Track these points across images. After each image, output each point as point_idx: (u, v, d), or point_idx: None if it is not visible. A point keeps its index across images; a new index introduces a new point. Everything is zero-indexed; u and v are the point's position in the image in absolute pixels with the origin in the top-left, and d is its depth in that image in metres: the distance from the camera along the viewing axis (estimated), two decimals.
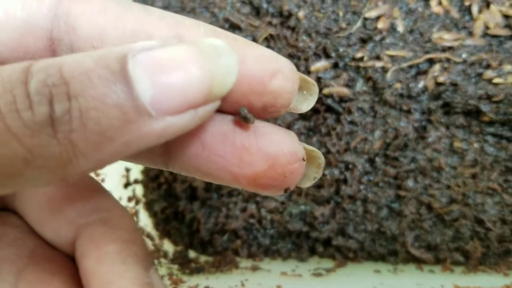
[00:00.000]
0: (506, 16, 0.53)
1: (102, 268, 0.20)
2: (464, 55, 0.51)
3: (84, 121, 0.15)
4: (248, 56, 0.20)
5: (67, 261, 0.23)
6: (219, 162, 0.20)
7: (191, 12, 0.53)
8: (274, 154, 0.20)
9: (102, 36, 0.20)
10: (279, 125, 0.53)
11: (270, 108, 0.21)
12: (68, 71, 0.15)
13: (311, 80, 0.22)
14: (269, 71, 0.20)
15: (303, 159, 0.21)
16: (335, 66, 0.53)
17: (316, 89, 0.22)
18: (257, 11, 0.54)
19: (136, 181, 0.54)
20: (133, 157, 0.22)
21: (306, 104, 0.22)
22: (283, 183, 0.20)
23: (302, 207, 0.53)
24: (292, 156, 0.20)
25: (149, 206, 0.55)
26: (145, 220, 0.53)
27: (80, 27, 0.20)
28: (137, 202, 0.53)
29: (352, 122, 0.53)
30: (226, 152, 0.20)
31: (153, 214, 0.55)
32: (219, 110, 0.21)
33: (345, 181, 0.52)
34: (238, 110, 0.20)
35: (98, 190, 0.23)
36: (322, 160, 0.22)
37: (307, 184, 0.22)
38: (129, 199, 0.52)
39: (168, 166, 0.22)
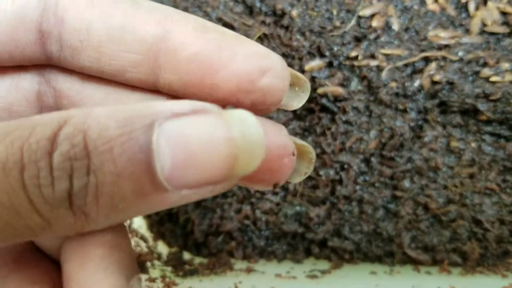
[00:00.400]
0: (503, 13, 0.52)
1: (83, 273, 0.19)
2: (460, 53, 0.50)
3: (98, 196, 0.15)
4: (237, 53, 0.19)
5: (52, 267, 0.22)
6: None
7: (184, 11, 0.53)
8: None
9: (89, 29, 0.20)
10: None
11: (259, 105, 0.20)
12: (91, 140, 0.15)
13: (302, 76, 0.21)
14: (259, 68, 0.19)
15: (293, 154, 0.20)
16: (330, 65, 0.52)
17: (308, 85, 0.22)
18: (250, 10, 0.54)
19: None
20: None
21: (298, 101, 0.21)
22: (272, 178, 0.20)
23: (297, 208, 0.52)
24: (281, 151, 0.20)
25: None
26: (139, 222, 0.53)
27: (68, 19, 0.20)
28: None
29: (347, 122, 0.52)
30: None
31: (147, 215, 0.54)
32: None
33: (340, 181, 0.52)
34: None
35: None
36: (313, 155, 0.21)
37: (297, 179, 0.21)
38: None
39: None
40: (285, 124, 0.53)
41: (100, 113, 0.16)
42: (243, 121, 0.16)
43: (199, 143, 0.15)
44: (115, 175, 0.15)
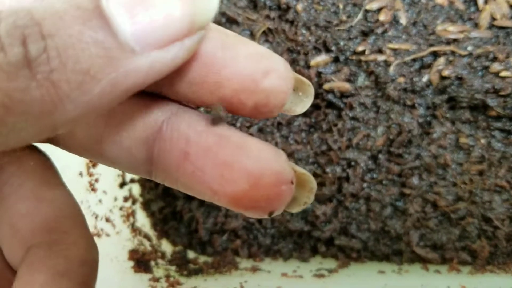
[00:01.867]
0: None
1: None
2: (469, 48, 0.49)
3: (64, 60, 0.14)
4: (239, 53, 0.19)
5: None
6: (200, 176, 0.18)
7: None
8: (257, 173, 0.18)
9: None
10: (279, 122, 0.52)
11: (262, 108, 0.19)
12: (38, 13, 0.14)
13: (306, 80, 0.21)
14: (262, 69, 0.19)
15: (291, 182, 0.19)
16: (336, 60, 0.51)
17: (312, 90, 0.21)
18: (254, 4, 0.53)
19: (132, 181, 0.52)
20: (117, 163, 0.21)
21: (301, 106, 0.21)
22: (267, 206, 0.19)
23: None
24: (278, 177, 0.18)
25: (146, 206, 0.53)
26: (142, 220, 0.52)
27: None
28: (133, 202, 0.52)
29: (354, 118, 0.51)
30: (207, 166, 0.18)
31: (150, 214, 0.53)
32: (207, 109, 0.20)
33: (347, 179, 0.51)
34: (212, 106, 0.19)
35: (65, 205, 0.22)
36: (314, 184, 0.20)
37: (295, 209, 0.20)
38: (125, 199, 0.51)
39: (151, 175, 0.20)
40: (291, 120, 0.52)
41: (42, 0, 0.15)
42: None
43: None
44: (74, 38, 0.14)
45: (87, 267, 0.20)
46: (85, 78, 0.15)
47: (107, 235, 0.45)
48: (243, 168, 0.18)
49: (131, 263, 0.44)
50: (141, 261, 0.45)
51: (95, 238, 0.43)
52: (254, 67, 0.19)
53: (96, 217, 0.45)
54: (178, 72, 0.19)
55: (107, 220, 0.46)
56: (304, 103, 0.21)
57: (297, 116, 0.53)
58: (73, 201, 0.23)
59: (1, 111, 0.14)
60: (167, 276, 0.44)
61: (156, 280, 0.43)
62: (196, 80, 0.19)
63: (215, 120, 0.19)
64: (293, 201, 0.19)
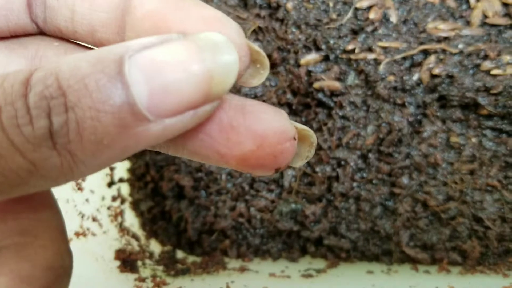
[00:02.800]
0: (505, 4, 0.50)
1: None
2: (460, 46, 0.49)
3: (81, 132, 0.15)
4: (191, 15, 0.18)
5: None
6: (207, 141, 0.19)
7: None
8: (262, 133, 0.19)
9: None
10: None
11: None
12: (65, 79, 0.15)
13: (262, 52, 0.20)
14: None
15: (294, 138, 0.19)
16: (326, 58, 0.51)
17: (268, 62, 0.21)
18: (244, 3, 0.52)
19: (121, 180, 0.52)
20: None
21: (258, 79, 0.21)
22: (273, 163, 0.19)
23: (293, 206, 0.51)
24: (282, 135, 0.19)
25: (135, 206, 0.53)
26: (131, 220, 0.52)
27: None
28: (122, 202, 0.52)
29: (344, 117, 0.51)
30: (213, 130, 0.19)
31: (139, 213, 0.53)
32: None
33: (337, 178, 0.51)
34: None
35: (42, 206, 0.21)
36: (314, 138, 0.21)
37: (298, 163, 0.21)
38: (114, 199, 0.50)
39: (155, 145, 0.21)
40: None
41: (70, 57, 0.16)
42: (213, 40, 0.16)
43: (172, 68, 0.16)
44: (93, 109, 0.15)
45: (52, 273, 0.19)
46: (98, 147, 0.16)
47: (93, 234, 0.45)
48: (249, 129, 0.19)
49: (117, 263, 0.44)
50: (127, 261, 0.44)
51: (81, 238, 0.42)
52: (205, 28, 0.18)
53: (83, 217, 0.44)
54: (134, 31, 0.20)
55: (94, 219, 0.46)
56: (260, 76, 0.21)
57: (287, 114, 0.52)
58: (51, 202, 0.22)
59: (26, 175, 0.16)
60: (154, 276, 0.44)
61: (142, 280, 0.43)
62: None
63: None
64: (296, 156, 0.21)
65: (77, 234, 0.43)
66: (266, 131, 0.19)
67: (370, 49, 0.50)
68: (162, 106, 0.16)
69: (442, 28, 0.50)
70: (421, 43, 0.49)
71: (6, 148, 0.15)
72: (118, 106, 0.15)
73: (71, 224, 0.43)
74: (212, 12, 0.19)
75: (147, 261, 0.47)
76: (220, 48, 0.16)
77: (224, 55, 0.16)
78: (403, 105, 0.50)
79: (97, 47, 0.21)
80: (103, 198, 0.48)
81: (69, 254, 0.21)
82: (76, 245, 0.42)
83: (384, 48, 0.49)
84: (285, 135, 0.19)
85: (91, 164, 0.16)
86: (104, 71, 0.15)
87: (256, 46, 0.20)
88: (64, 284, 0.20)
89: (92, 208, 0.46)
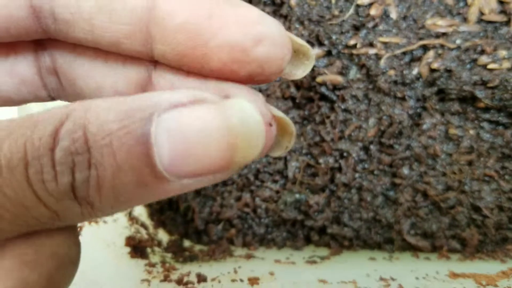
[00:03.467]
0: (501, 2, 0.52)
1: None
2: (458, 41, 0.51)
3: (100, 187, 0.16)
4: (228, 20, 0.18)
5: None
6: None
7: None
8: None
9: (78, 2, 0.20)
10: None
11: (257, 76, 0.19)
12: (91, 134, 0.15)
13: (305, 43, 0.20)
14: (253, 36, 0.18)
15: (270, 124, 0.19)
16: (328, 54, 0.53)
17: (312, 53, 0.20)
18: (249, 0, 0.54)
19: None
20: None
21: (302, 69, 0.20)
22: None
23: (297, 196, 0.52)
24: None
25: None
26: (139, 210, 0.53)
27: None
28: None
29: (346, 110, 0.52)
30: None
31: (147, 204, 0.55)
32: (201, 76, 0.20)
33: (339, 169, 0.52)
34: None
35: None
36: (293, 128, 0.21)
37: (278, 153, 0.21)
38: None
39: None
40: (285, 113, 0.54)
41: (99, 106, 0.16)
42: (242, 110, 0.16)
43: (197, 133, 0.15)
44: (115, 168, 0.15)
45: (56, 260, 0.19)
46: (116, 201, 0.16)
47: (105, 222, 0.46)
48: None
49: (128, 249, 0.45)
50: (137, 248, 0.46)
51: (93, 225, 0.44)
52: (242, 35, 0.18)
53: None
54: (167, 44, 0.19)
55: None
56: (305, 66, 0.20)
57: (291, 108, 0.54)
58: None
59: (49, 222, 0.17)
60: (163, 262, 0.46)
61: (152, 265, 0.44)
62: (185, 52, 0.19)
63: None
64: (276, 145, 0.20)
65: (89, 221, 0.44)
66: None
67: (371, 44, 0.51)
68: (183, 169, 0.16)
69: (440, 24, 0.52)
70: (420, 39, 0.51)
71: (30, 200, 0.16)
72: (139, 166, 0.15)
73: None
74: (249, 12, 0.18)
75: (156, 249, 0.49)
76: (248, 121, 0.16)
77: (250, 130, 0.16)
78: (403, 99, 0.51)
79: (122, 55, 0.21)
80: None
81: (76, 244, 0.21)
82: (88, 232, 0.43)
83: (385, 43, 0.51)
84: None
85: (109, 212, 0.17)
86: (130, 128, 0.15)
87: (298, 39, 0.20)
88: (69, 273, 0.20)
89: None
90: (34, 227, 0.17)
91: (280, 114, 0.20)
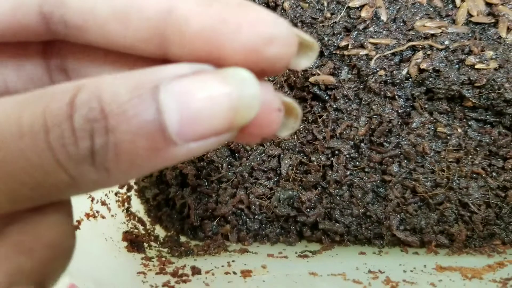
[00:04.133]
0: (489, 4, 0.54)
1: None
2: (446, 42, 0.52)
3: (118, 153, 0.17)
4: (242, 24, 0.19)
5: None
6: None
7: None
8: None
9: (93, 9, 0.20)
10: None
11: (266, 72, 0.21)
12: (107, 104, 0.17)
13: (310, 38, 0.22)
14: (265, 38, 0.19)
15: (279, 110, 0.21)
16: (321, 54, 0.54)
17: (317, 46, 0.22)
18: None
19: None
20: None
21: (307, 60, 0.22)
22: (260, 132, 0.21)
23: (290, 193, 0.54)
24: (269, 106, 0.20)
25: (141, 193, 0.56)
26: (137, 206, 0.55)
27: (69, 1, 0.20)
28: (129, 189, 0.55)
29: (337, 109, 0.54)
30: None
31: (145, 200, 0.56)
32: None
33: (331, 166, 0.54)
34: None
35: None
36: (299, 110, 0.22)
37: (285, 133, 0.23)
38: (121, 186, 0.53)
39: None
40: None
41: (110, 80, 0.17)
42: (240, 77, 0.18)
43: (203, 99, 0.17)
44: (130, 133, 0.17)
45: (51, 250, 0.20)
46: (131, 166, 0.18)
47: (103, 217, 0.47)
48: None
49: (125, 244, 0.47)
50: (134, 242, 0.47)
51: (91, 219, 0.45)
52: (256, 37, 0.19)
53: (92, 200, 0.47)
54: (184, 48, 0.20)
55: (103, 203, 0.49)
56: (309, 57, 0.22)
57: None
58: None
59: (65, 187, 0.18)
60: (159, 256, 0.47)
61: (149, 259, 0.46)
62: (201, 55, 0.20)
63: None
64: (282, 126, 0.22)
65: (88, 215, 0.45)
66: None
67: (362, 46, 0.53)
68: (190, 132, 0.17)
69: (429, 25, 0.53)
70: (410, 40, 0.52)
71: (51, 165, 0.17)
72: (152, 131, 0.17)
73: (82, 206, 0.46)
74: (261, 15, 0.19)
75: (153, 244, 0.50)
76: (246, 85, 0.18)
77: (249, 90, 0.18)
78: (393, 98, 0.53)
79: (138, 56, 0.22)
80: None
81: (72, 236, 0.21)
82: (87, 226, 0.45)
83: (375, 44, 0.53)
84: (272, 106, 0.20)
85: (122, 178, 0.18)
86: (141, 98, 0.17)
87: (305, 35, 0.21)
88: (63, 262, 0.21)
89: (100, 193, 0.49)
90: (51, 196, 0.18)
91: (287, 99, 0.22)
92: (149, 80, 0.17)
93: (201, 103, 0.17)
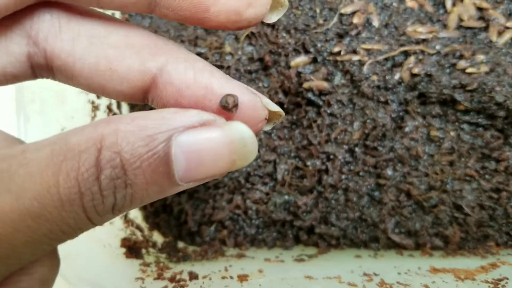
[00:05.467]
0: (479, 9, 0.55)
1: None
2: (438, 47, 0.53)
3: (133, 199, 0.20)
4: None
5: None
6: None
7: None
8: (240, 118, 0.23)
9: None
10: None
11: (243, 28, 0.23)
12: (126, 160, 0.19)
13: None
14: (245, 1, 0.22)
15: (266, 119, 0.24)
16: (314, 61, 0.55)
17: (287, 2, 0.24)
18: None
19: None
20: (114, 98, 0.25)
21: (276, 15, 0.24)
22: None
23: (286, 197, 0.55)
24: (258, 118, 0.23)
25: None
26: (134, 213, 0.55)
27: None
28: None
29: (332, 115, 0.55)
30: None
31: (142, 207, 0.57)
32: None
33: (326, 171, 0.54)
34: (221, 98, 0.22)
35: None
36: (282, 113, 0.25)
37: (267, 128, 0.25)
38: None
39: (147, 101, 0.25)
40: None
41: (126, 132, 0.20)
42: (242, 133, 0.21)
43: (207, 152, 0.20)
44: (145, 183, 0.20)
45: (46, 286, 0.23)
46: (139, 205, 0.21)
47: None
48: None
49: (123, 250, 0.47)
50: (132, 248, 0.48)
51: None
52: (237, 0, 0.22)
53: None
54: (171, 9, 0.23)
55: None
56: (278, 12, 0.24)
57: None
58: None
59: (83, 231, 0.21)
60: (157, 262, 0.48)
61: (147, 265, 0.46)
62: (187, 15, 0.23)
63: (225, 108, 0.22)
64: (266, 124, 0.25)
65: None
66: (245, 115, 0.23)
67: (354, 51, 0.54)
68: (193, 177, 0.20)
69: (421, 31, 0.54)
70: (402, 45, 0.53)
71: (84, 222, 0.20)
72: (161, 179, 0.20)
73: None
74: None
75: (151, 249, 0.51)
76: (246, 142, 0.21)
77: (247, 147, 0.21)
78: (386, 103, 0.54)
79: (125, 45, 0.24)
80: None
81: (56, 265, 0.24)
82: (85, 233, 0.45)
83: (368, 50, 0.54)
84: (260, 117, 0.24)
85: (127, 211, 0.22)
86: (155, 151, 0.19)
87: None
88: None
89: None
90: (68, 239, 0.21)
91: (274, 108, 0.24)
92: (161, 132, 0.20)
93: (206, 155, 0.20)
